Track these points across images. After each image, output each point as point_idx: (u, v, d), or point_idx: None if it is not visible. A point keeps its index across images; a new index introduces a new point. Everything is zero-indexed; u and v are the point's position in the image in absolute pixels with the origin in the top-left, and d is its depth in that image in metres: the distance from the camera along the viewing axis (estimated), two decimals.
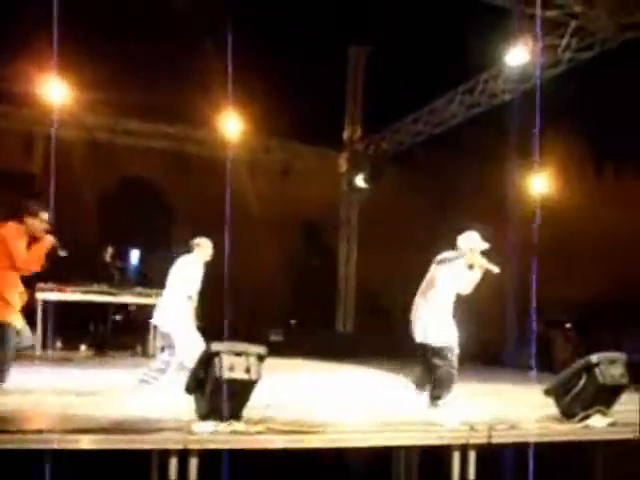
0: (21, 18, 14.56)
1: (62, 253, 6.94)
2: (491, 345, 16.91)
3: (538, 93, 11.51)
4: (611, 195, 19.40)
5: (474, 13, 12.15)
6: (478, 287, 7.56)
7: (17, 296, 6.80)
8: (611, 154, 19.73)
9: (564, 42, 11.54)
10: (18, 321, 6.80)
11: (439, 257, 7.47)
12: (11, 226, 6.83)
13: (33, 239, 6.88)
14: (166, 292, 7.84)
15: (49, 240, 6.84)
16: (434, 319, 7.25)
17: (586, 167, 20.44)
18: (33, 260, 6.82)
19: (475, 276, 7.37)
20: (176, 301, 7.65)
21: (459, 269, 7.39)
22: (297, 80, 17.24)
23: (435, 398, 7.21)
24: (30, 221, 6.87)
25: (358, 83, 17.80)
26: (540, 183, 16.65)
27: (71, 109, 14.28)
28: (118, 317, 14.15)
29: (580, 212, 18.42)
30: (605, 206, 18.78)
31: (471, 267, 7.39)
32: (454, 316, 7.46)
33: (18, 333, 6.79)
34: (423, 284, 7.50)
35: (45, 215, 6.99)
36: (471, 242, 7.38)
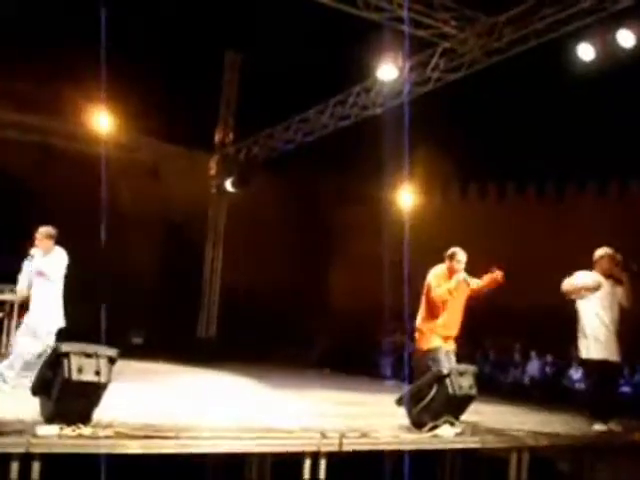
0: None
1: None
2: (354, 354, 17.21)
3: (407, 109, 11.86)
4: (475, 214, 20.04)
5: (351, 25, 12.35)
6: None
7: None
8: (476, 175, 20.46)
9: (433, 61, 11.88)
10: None
11: None
12: None
13: None
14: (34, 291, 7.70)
15: None
16: None
17: (451, 185, 21.09)
18: None
19: None
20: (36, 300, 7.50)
21: None
22: (173, 81, 17.04)
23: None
24: None
25: (233, 87, 17.74)
26: (410, 195, 17.12)
27: None
28: None
29: (446, 222, 18.93)
30: (467, 223, 19.37)
31: None
32: None
33: None
34: None
35: None
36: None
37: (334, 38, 14.06)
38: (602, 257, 8.02)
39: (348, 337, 18.45)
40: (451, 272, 7.83)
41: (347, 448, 6.24)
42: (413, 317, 8.19)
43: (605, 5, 10.10)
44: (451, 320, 7.89)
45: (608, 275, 7.96)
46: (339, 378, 14.49)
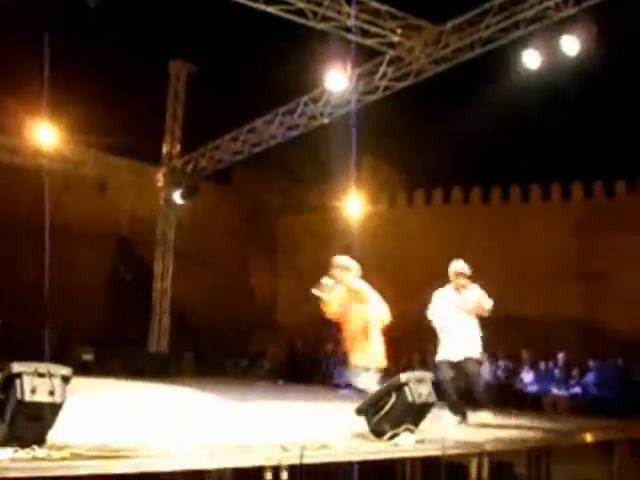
0: None
1: None
2: (305, 365, 17.17)
3: (354, 119, 11.88)
4: (421, 220, 20.15)
5: (298, 35, 12.36)
6: None
7: None
8: (422, 181, 20.59)
9: (381, 70, 11.92)
10: None
11: None
12: None
13: None
14: None
15: None
16: None
17: (398, 192, 21.17)
18: None
19: None
20: None
21: None
22: (118, 93, 16.83)
23: None
24: None
25: (179, 98, 17.58)
26: (356, 205, 17.19)
27: None
28: None
29: (393, 231, 19.02)
30: (413, 230, 19.48)
31: None
32: None
33: None
34: None
35: None
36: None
37: (282, 48, 14.05)
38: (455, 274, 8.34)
39: (298, 348, 18.40)
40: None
41: (308, 460, 6.17)
42: None
43: (549, 13, 10.25)
44: None
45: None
46: (293, 389, 14.43)
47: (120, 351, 16.65)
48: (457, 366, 8.26)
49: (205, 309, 19.23)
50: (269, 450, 6.20)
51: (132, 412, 8.99)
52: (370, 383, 7.66)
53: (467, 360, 8.26)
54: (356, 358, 7.94)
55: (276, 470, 6.07)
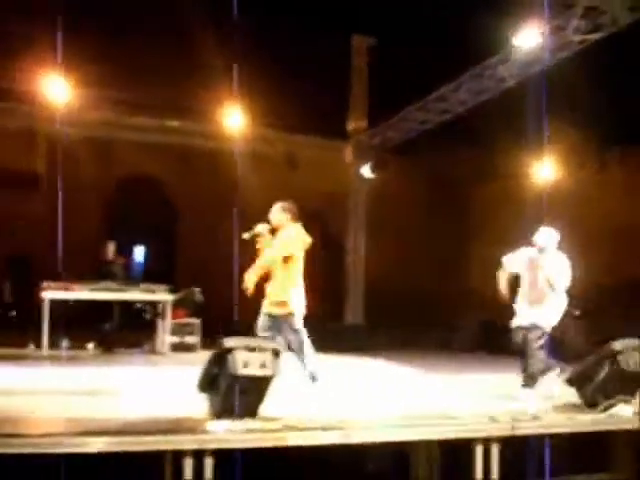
0: (23, 16, 14.42)
1: None
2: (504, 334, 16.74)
3: (543, 78, 11.36)
4: (615, 182, 19.14)
5: None
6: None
7: None
8: (617, 141, 19.44)
9: (574, 23, 11.29)
10: None
11: None
12: None
13: None
14: None
15: None
16: None
17: (590, 154, 20.19)
18: None
19: None
20: None
21: None
22: (300, 70, 17.05)
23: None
24: None
25: (362, 72, 17.56)
26: (547, 171, 16.53)
27: (73, 106, 14.10)
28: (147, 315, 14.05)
29: (583, 200, 18.23)
30: (609, 194, 18.56)
31: None
32: None
33: None
34: None
35: None
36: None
37: (462, 11, 13.65)
38: None
39: (493, 318, 17.97)
40: None
41: (519, 432, 5.98)
42: None
43: None
44: None
45: None
46: (495, 360, 14.12)
47: (316, 325, 16.93)
48: None
49: (397, 281, 19.25)
50: (478, 422, 6.06)
51: (337, 384, 9.09)
52: None
53: None
54: None
55: (486, 443, 5.92)
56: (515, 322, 7.85)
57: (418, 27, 16.18)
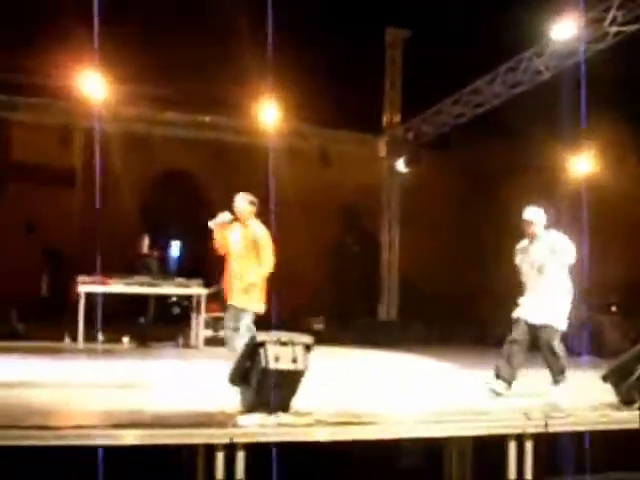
0: (59, 11, 14.57)
1: None
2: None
3: (583, 69, 11.19)
4: None
5: None
6: None
7: None
8: None
9: (610, 14, 11.11)
10: None
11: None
12: None
13: None
14: None
15: None
16: None
17: (629, 148, 19.91)
18: None
19: None
20: None
21: None
22: (333, 65, 17.03)
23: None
24: None
25: (396, 66, 17.45)
26: (584, 164, 16.32)
27: (109, 102, 14.22)
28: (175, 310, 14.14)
29: (621, 194, 18.00)
30: None
31: None
32: None
33: None
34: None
35: None
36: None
37: (499, 2, 13.54)
38: None
39: None
40: None
41: (553, 429, 5.92)
42: None
43: None
44: None
45: None
46: (530, 356, 13.99)
47: (350, 320, 16.94)
48: None
49: (431, 276, 19.16)
50: (512, 418, 6.01)
51: (369, 380, 9.08)
52: None
53: None
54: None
55: (520, 439, 5.87)
56: (516, 313, 7.68)
57: (452, 20, 16.09)
